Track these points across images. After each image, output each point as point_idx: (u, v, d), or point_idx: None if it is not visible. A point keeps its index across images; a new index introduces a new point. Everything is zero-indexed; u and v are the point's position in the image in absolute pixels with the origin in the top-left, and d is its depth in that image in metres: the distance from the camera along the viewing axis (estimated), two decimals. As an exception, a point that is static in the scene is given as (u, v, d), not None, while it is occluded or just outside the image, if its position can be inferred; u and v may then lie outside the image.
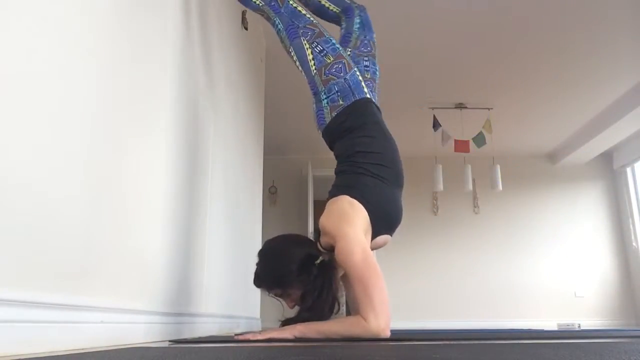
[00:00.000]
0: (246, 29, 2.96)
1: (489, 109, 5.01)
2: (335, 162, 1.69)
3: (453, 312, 5.89)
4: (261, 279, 1.54)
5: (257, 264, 1.56)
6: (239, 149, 2.85)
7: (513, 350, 0.86)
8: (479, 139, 4.94)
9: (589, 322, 5.81)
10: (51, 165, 0.86)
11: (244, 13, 2.90)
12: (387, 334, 1.32)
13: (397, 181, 1.64)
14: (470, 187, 5.10)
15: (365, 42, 1.91)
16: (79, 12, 0.96)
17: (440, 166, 5.14)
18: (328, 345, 1.07)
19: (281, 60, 4.18)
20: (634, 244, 6.00)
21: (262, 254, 1.59)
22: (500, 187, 5.07)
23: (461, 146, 4.93)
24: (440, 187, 5.10)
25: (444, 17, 3.67)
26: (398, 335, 1.50)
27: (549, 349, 0.90)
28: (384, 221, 1.58)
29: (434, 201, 6.26)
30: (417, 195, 5.95)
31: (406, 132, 5.15)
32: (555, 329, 5.22)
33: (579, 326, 5.62)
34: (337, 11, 2.03)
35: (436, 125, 4.89)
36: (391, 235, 1.64)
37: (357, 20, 1.97)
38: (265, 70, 3.94)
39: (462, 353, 0.80)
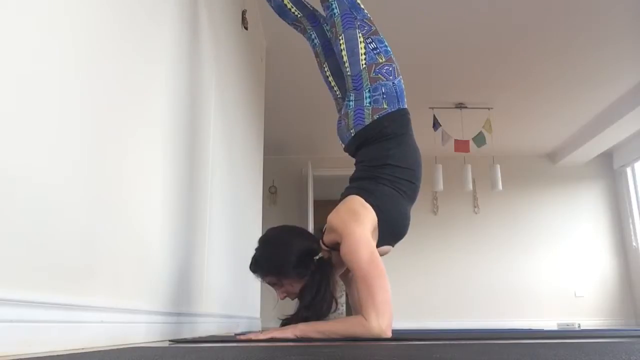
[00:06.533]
0: (246, 28, 2.96)
1: (489, 108, 5.02)
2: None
3: (453, 312, 5.89)
4: (258, 264, 1.54)
5: (257, 249, 1.56)
6: (239, 149, 2.85)
7: (513, 350, 0.86)
8: (479, 139, 4.95)
9: (589, 322, 5.81)
10: (50, 165, 0.86)
11: (244, 13, 2.90)
12: (389, 335, 1.32)
13: (413, 195, 1.64)
14: (470, 187, 5.10)
15: (362, 24, 1.77)
16: (76, 9, 0.96)
17: (440, 166, 5.14)
18: (328, 345, 1.07)
19: (281, 60, 4.21)
20: (634, 244, 6.00)
21: (263, 240, 1.60)
22: (500, 187, 5.08)
23: (461, 146, 4.93)
24: (440, 187, 5.10)
25: (444, 17, 3.67)
26: (398, 335, 1.50)
27: (549, 349, 0.90)
28: (391, 232, 1.57)
29: (434, 201, 6.26)
30: (417, 195, 5.95)
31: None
32: (555, 328, 5.22)
33: (579, 326, 5.62)
34: (299, 15, 1.96)
35: (436, 125, 4.89)
36: (393, 246, 1.64)
37: (326, 27, 1.91)
38: (265, 70, 3.94)
39: (462, 353, 0.80)
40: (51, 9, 0.86)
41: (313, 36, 1.96)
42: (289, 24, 2.03)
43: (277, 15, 2.02)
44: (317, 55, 1.97)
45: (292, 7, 1.95)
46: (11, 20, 0.75)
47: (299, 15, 1.96)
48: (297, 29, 2.03)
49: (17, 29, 0.76)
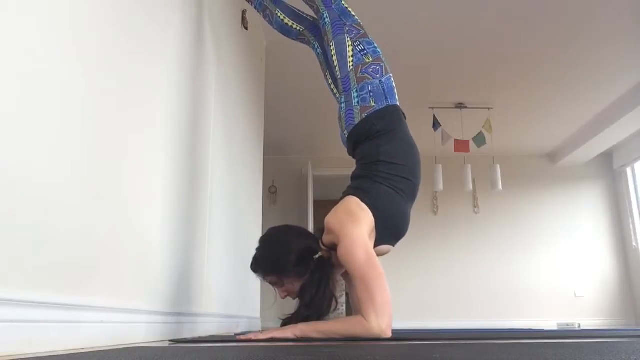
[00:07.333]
0: (246, 28, 2.96)
1: (489, 108, 5.02)
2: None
3: (453, 312, 5.89)
4: (259, 264, 1.55)
5: (257, 249, 1.57)
6: (239, 149, 2.85)
7: (513, 350, 0.86)
8: (479, 139, 4.95)
9: (589, 322, 5.81)
10: (50, 165, 0.86)
11: (244, 13, 2.90)
12: (389, 334, 1.32)
13: (412, 194, 1.63)
14: (470, 187, 5.10)
15: (351, 29, 1.80)
16: (77, 9, 0.96)
17: (440, 166, 5.14)
18: (328, 345, 1.07)
19: (281, 60, 4.21)
20: (634, 244, 6.00)
21: (263, 239, 1.61)
22: (500, 187, 5.08)
23: (461, 146, 4.93)
24: (440, 187, 5.10)
25: (444, 17, 3.67)
26: (398, 335, 1.50)
27: (549, 349, 0.90)
28: (390, 232, 1.57)
29: (434, 201, 6.26)
30: (417, 195, 5.95)
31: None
32: (555, 328, 5.22)
33: (579, 326, 5.62)
34: (301, 29, 2.02)
35: (436, 125, 4.89)
36: (394, 246, 1.64)
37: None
38: (265, 70, 3.94)
39: (462, 353, 0.80)
40: (51, 9, 0.86)
41: (316, 46, 2.03)
42: (294, 39, 2.09)
43: (282, 36, 2.08)
44: (320, 64, 2.04)
45: (292, 23, 2.01)
46: (11, 20, 0.75)
47: (301, 30, 2.02)
48: (302, 42, 2.09)
49: (17, 29, 0.76)
